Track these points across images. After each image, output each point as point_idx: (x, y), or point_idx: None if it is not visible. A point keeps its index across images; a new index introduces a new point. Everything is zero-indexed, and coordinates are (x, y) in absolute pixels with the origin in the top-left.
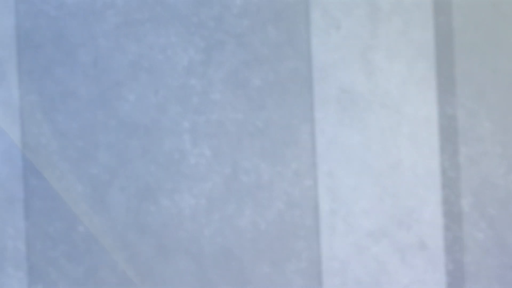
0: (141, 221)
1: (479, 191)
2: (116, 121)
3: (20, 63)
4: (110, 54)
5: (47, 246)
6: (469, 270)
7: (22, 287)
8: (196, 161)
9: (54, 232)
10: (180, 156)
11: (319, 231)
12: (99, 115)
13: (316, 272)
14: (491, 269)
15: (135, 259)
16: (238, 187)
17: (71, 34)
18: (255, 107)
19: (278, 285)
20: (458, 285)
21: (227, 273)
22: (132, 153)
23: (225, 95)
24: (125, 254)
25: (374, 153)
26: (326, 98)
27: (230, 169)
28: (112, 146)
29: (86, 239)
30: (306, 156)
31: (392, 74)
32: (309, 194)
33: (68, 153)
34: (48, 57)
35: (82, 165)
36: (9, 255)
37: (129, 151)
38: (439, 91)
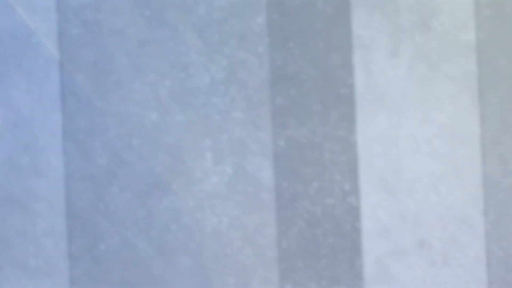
0: (163, 238)
1: (501, 209)
2: (139, 140)
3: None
4: (132, 73)
5: (67, 264)
6: None
7: None
8: (218, 179)
9: (76, 250)
10: (202, 174)
11: (341, 250)
12: (121, 135)
13: None
14: None
15: (163, 277)
16: (259, 205)
17: (92, 53)
18: (277, 126)
19: None
20: None
21: None
22: (154, 170)
23: (247, 114)
24: (143, 268)
25: (396, 171)
26: (349, 117)
27: (252, 187)
28: (136, 165)
29: (108, 257)
30: (328, 174)
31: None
32: (331, 212)
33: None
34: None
35: (104, 183)
36: (34, 272)
37: (151, 168)
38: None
